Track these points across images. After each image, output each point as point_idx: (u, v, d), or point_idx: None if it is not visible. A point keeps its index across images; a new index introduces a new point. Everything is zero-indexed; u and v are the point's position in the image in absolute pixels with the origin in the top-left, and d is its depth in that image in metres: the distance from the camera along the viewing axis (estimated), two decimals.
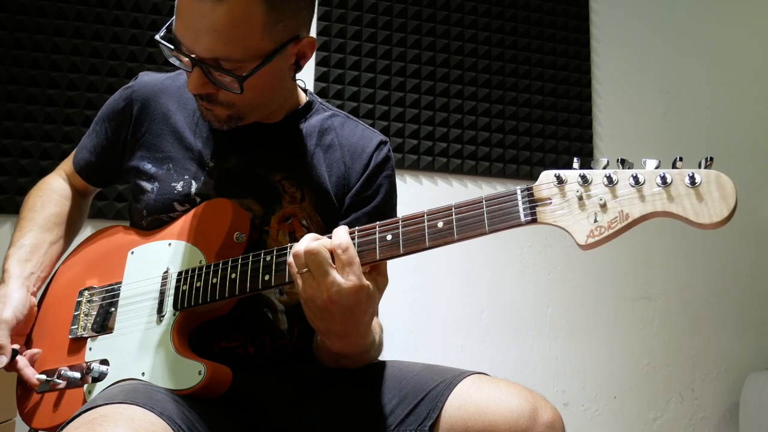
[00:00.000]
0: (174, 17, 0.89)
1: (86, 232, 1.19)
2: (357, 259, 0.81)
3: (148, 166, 1.05)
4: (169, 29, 0.91)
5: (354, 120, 1.14)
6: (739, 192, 0.63)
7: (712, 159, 0.65)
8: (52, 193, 1.18)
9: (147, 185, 1.05)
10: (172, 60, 0.93)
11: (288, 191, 1.04)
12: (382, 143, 1.11)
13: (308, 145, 1.08)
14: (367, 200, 1.08)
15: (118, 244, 1.08)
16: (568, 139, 2.65)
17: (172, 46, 0.90)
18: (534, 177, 2.67)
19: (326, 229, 1.00)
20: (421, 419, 0.88)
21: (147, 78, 1.12)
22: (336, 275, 0.80)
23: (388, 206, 1.10)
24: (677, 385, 2.66)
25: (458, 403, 0.87)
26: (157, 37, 0.90)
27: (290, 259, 0.83)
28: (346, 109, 2.37)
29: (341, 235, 0.82)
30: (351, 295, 0.80)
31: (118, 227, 1.12)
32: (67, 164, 1.21)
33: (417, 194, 2.44)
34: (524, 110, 2.61)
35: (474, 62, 2.57)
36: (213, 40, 0.85)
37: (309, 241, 0.81)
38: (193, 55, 0.88)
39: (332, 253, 0.81)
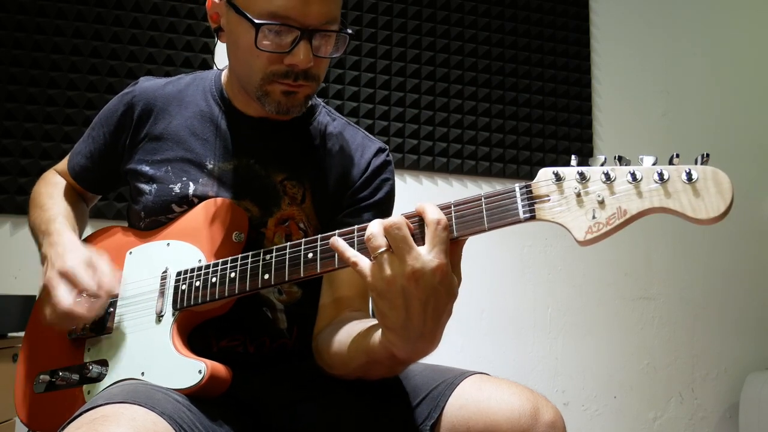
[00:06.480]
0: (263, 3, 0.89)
1: (85, 232, 1.19)
2: (447, 241, 0.73)
3: (146, 168, 1.05)
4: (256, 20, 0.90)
5: (354, 126, 1.15)
6: (739, 191, 0.64)
7: (708, 155, 0.65)
8: (61, 187, 1.18)
9: (145, 187, 1.05)
10: (271, 40, 0.91)
11: (289, 192, 1.04)
12: (380, 150, 1.12)
13: (312, 146, 1.08)
14: (365, 199, 1.08)
15: (117, 244, 1.08)
16: (568, 139, 2.65)
17: (278, 23, 0.89)
18: (534, 177, 2.64)
19: (323, 232, 1.00)
20: (423, 419, 0.88)
21: (147, 83, 1.12)
22: (420, 249, 0.72)
23: (387, 204, 1.10)
24: (677, 385, 2.65)
25: (460, 403, 0.87)
26: (258, 21, 0.89)
27: (347, 252, 0.77)
28: (346, 109, 2.37)
29: (438, 211, 0.74)
30: (436, 273, 0.71)
31: (116, 227, 1.12)
32: (60, 169, 1.20)
33: (417, 194, 2.44)
34: (524, 110, 2.61)
35: (474, 62, 2.57)
36: (323, 3, 0.90)
37: (382, 221, 0.74)
38: (309, 27, 0.90)
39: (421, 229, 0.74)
